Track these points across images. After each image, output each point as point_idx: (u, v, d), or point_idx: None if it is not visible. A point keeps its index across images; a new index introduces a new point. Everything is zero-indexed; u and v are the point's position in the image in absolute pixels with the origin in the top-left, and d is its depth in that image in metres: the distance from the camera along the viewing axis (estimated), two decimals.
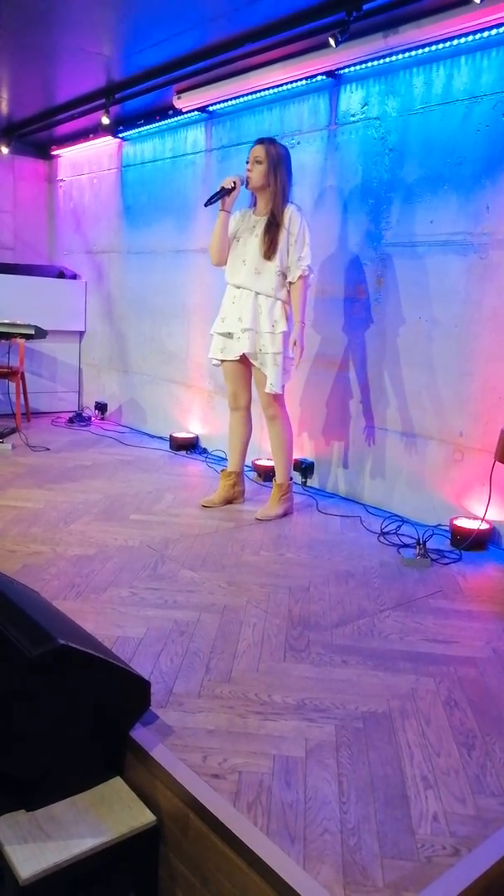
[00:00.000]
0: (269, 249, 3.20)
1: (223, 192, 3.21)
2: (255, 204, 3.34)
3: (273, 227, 3.21)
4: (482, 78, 3.09)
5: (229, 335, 3.37)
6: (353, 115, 3.67)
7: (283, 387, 3.34)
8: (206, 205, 3.26)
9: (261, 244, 3.22)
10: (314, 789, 1.54)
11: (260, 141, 3.22)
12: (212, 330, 3.47)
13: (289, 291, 3.28)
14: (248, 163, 3.21)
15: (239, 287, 3.31)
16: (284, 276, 3.25)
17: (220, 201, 3.24)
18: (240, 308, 3.30)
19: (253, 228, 3.30)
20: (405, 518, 3.52)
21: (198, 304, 3.54)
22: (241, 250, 3.31)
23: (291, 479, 3.59)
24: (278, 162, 3.18)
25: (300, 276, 3.22)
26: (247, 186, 3.24)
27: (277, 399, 3.35)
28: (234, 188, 3.22)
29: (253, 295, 3.26)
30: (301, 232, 3.21)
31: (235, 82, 3.98)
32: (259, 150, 3.18)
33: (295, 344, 3.23)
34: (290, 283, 3.25)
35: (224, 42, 3.66)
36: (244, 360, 3.39)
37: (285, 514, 3.49)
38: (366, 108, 3.60)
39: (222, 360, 3.45)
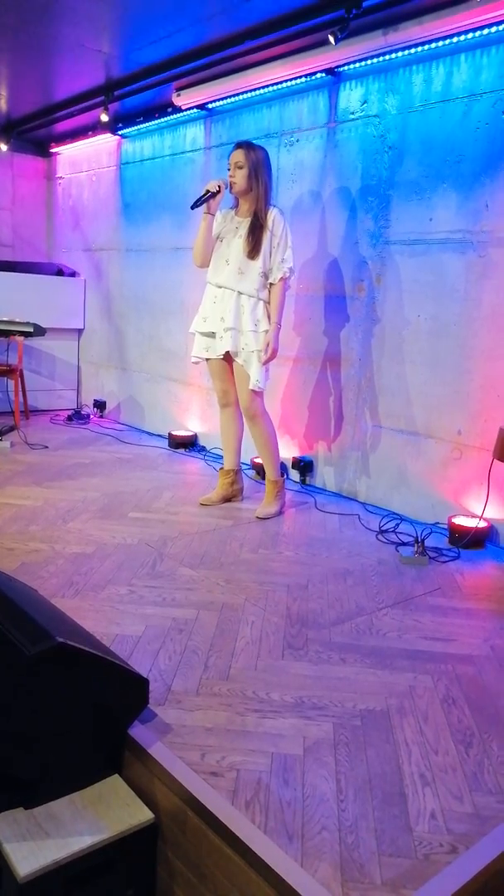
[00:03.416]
0: (253, 250, 3.24)
1: (208, 196, 3.25)
2: (237, 205, 3.37)
3: (257, 229, 3.24)
4: (482, 76, 3.09)
5: (212, 335, 3.40)
6: (352, 113, 3.66)
7: (265, 384, 3.37)
8: (192, 207, 3.30)
9: (245, 244, 3.26)
10: (312, 787, 1.55)
11: (238, 145, 3.24)
12: (192, 329, 3.50)
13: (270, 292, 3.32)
14: (229, 168, 3.24)
15: (221, 287, 3.34)
16: (266, 276, 3.29)
17: (205, 204, 3.27)
18: (222, 308, 3.33)
19: (236, 229, 3.32)
20: (403, 516, 3.52)
21: (197, 301, 3.53)
22: (225, 250, 3.34)
23: (283, 474, 3.59)
24: (258, 164, 3.21)
25: (281, 278, 3.27)
26: (231, 191, 3.28)
27: (258, 397, 3.38)
28: (218, 191, 3.26)
29: (235, 295, 3.29)
30: (284, 234, 3.26)
31: (235, 79, 3.98)
32: (239, 155, 3.21)
33: (268, 344, 3.27)
34: (271, 284, 3.29)
35: (223, 39, 3.66)
36: (228, 358, 3.41)
37: (281, 510, 3.50)
38: (365, 105, 3.59)
39: (207, 359, 3.48)
